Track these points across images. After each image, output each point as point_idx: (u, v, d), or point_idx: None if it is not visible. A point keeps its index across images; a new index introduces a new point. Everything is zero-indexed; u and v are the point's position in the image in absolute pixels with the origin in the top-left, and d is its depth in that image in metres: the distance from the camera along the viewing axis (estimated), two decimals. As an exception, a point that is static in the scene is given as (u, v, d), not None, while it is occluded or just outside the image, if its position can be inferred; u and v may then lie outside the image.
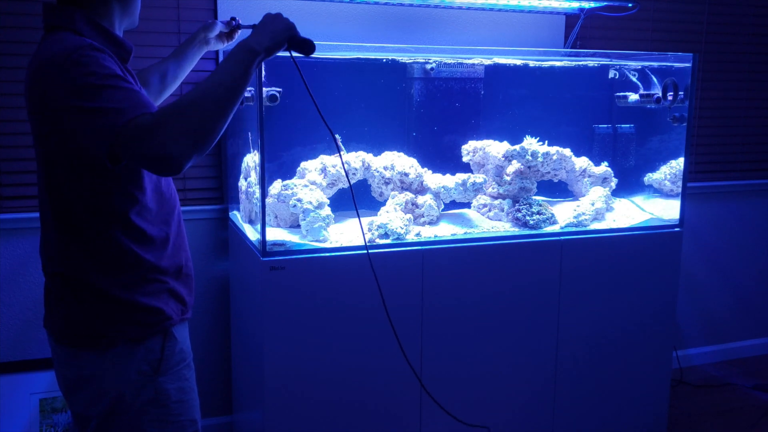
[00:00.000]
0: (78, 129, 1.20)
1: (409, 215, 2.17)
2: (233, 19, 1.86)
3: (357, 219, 2.27)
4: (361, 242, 2.04)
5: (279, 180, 2.14)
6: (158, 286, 1.37)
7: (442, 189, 2.26)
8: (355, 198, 1.80)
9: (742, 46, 3.11)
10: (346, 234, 2.10)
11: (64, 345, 1.36)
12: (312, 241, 2.01)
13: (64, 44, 1.25)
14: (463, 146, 2.46)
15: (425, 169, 2.32)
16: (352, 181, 2.25)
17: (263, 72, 1.80)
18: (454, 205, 2.39)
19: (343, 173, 2.20)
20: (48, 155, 1.30)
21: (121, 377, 1.34)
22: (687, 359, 3.24)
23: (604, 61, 2.57)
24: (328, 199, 2.14)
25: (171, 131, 1.16)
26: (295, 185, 2.09)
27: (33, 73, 1.27)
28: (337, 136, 2.25)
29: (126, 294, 1.33)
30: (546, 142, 2.40)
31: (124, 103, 1.17)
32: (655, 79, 2.44)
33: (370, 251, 1.99)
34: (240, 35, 1.80)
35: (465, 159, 2.46)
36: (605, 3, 2.51)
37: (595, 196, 2.44)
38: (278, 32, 1.40)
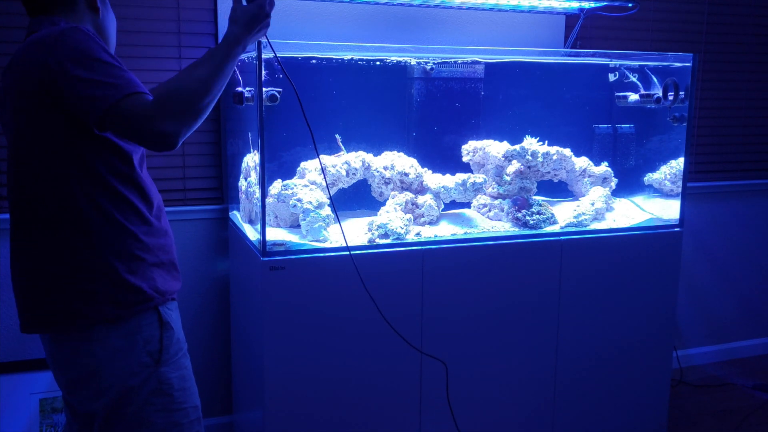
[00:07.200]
0: (70, 94, 1.24)
1: (409, 215, 2.17)
2: None
3: (357, 219, 2.28)
4: (361, 242, 2.04)
5: (279, 180, 2.14)
6: (141, 265, 1.37)
7: (442, 189, 2.26)
8: (339, 197, 1.79)
9: (742, 46, 3.11)
10: (346, 234, 2.10)
11: (47, 332, 1.36)
12: (312, 241, 2.01)
13: (52, 28, 1.30)
14: (463, 146, 2.46)
15: (425, 169, 2.32)
16: (352, 181, 2.25)
17: (263, 72, 1.80)
18: (454, 205, 2.39)
19: (344, 173, 2.20)
20: (34, 125, 1.29)
21: (124, 370, 1.35)
22: (687, 359, 3.24)
23: (604, 61, 2.57)
24: (328, 198, 2.14)
25: (166, 112, 1.24)
26: (295, 185, 2.09)
27: (19, 58, 1.29)
28: (337, 135, 2.26)
29: (109, 268, 1.33)
30: (546, 142, 2.39)
31: (119, 79, 1.24)
32: (655, 79, 2.44)
33: (370, 251, 2.00)
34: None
35: (465, 159, 2.46)
36: (605, 3, 2.51)
37: (595, 196, 2.44)
38: (259, 27, 1.47)
